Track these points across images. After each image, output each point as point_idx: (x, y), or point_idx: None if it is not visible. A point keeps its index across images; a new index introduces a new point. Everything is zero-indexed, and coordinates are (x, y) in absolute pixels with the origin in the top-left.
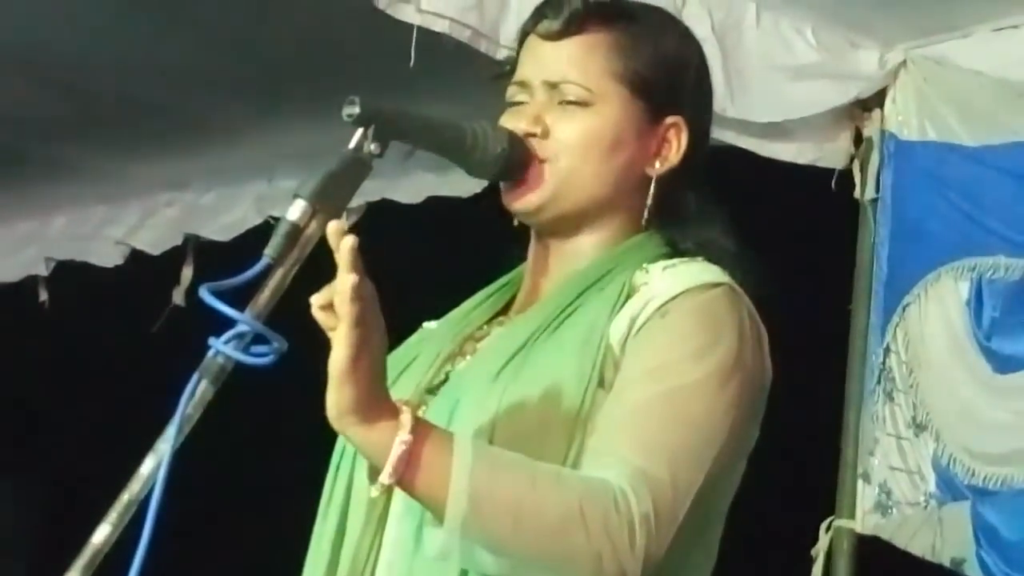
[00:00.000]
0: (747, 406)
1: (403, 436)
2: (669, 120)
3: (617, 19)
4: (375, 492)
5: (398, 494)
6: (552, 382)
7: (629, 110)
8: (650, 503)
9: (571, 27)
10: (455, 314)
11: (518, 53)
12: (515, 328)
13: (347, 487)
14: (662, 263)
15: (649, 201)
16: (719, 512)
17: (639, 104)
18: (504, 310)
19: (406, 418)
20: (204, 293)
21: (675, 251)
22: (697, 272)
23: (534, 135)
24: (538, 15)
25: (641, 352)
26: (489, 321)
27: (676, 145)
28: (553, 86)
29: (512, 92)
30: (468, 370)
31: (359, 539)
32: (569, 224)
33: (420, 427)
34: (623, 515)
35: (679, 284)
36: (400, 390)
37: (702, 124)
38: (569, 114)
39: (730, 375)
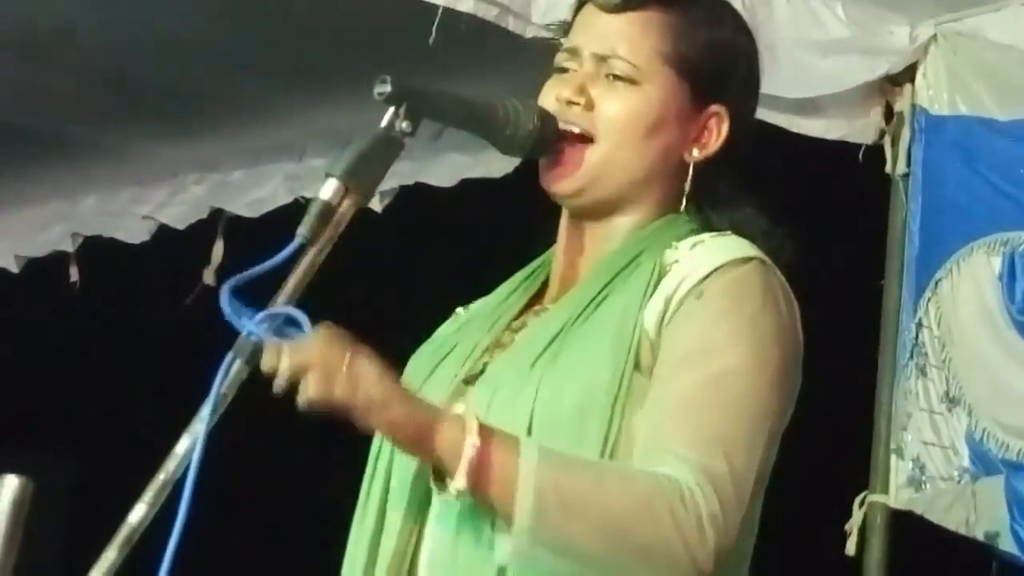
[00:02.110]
0: (788, 381)
1: (472, 439)
2: (712, 108)
3: (675, 2)
4: (449, 496)
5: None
6: (588, 370)
7: (674, 93)
8: (716, 499)
9: (631, 2)
10: (490, 301)
11: (573, 19)
12: (550, 317)
13: (384, 487)
14: (691, 239)
15: (687, 187)
16: (760, 487)
17: (685, 88)
18: (539, 295)
19: (472, 423)
20: (224, 298)
21: (705, 228)
22: (727, 246)
23: (577, 104)
24: None
25: (680, 336)
26: (525, 310)
27: (716, 134)
28: (602, 59)
29: (561, 58)
30: (505, 361)
31: (398, 538)
32: (606, 206)
33: (485, 430)
34: (691, 511)
35: (711, 261)
36: (438, 380)
37: (746, 116)
38: (614, 89)
39: (770, 354)
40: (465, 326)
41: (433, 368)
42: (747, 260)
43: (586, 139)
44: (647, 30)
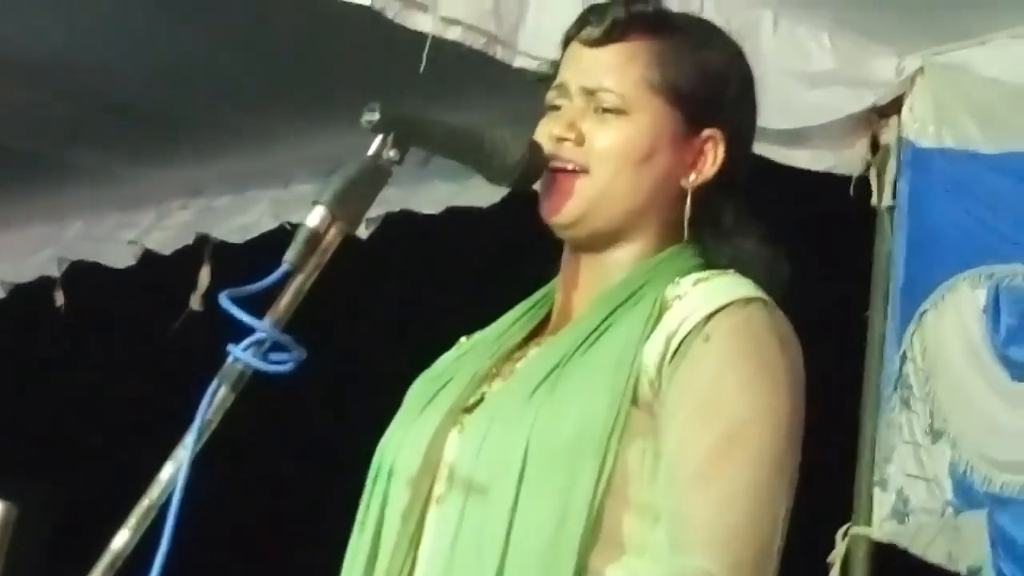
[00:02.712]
0: (800, 426)
1: None
2: (707, 132)
3: (660, 29)
4: None
5: (433, 508)
6: (585, 403)
7: (665, 120)
8: None
9: (613, 34)
10: (492, 330)
11: (561, 57)
12: (550, 348)
13: (382, 502)
14: (694, 276)
15: (687, 214)
16: (781, 536)
17: (676, 115)
18: (541, 326)
19: None
20: (224, 300)
21: (708, 263)
22: (730, 286)
23: (568, 139)
24: (582, 21)
25: (689, 383)
26: (527, 340)
27: (712, 158)
28: (590, 93)
29: (551, 96)
30: (504, 391)
31: (393, 552)
32: (604, 237)
33: None
34: None
35: (714, 300)
36: (436, 407)
37: (742, 138)
38: (605, 122)
39: (781, 402)
40: (467, 354)
41: (433, 396)
42: (750, 301)
43: (580, 172)
44: (633, 60)
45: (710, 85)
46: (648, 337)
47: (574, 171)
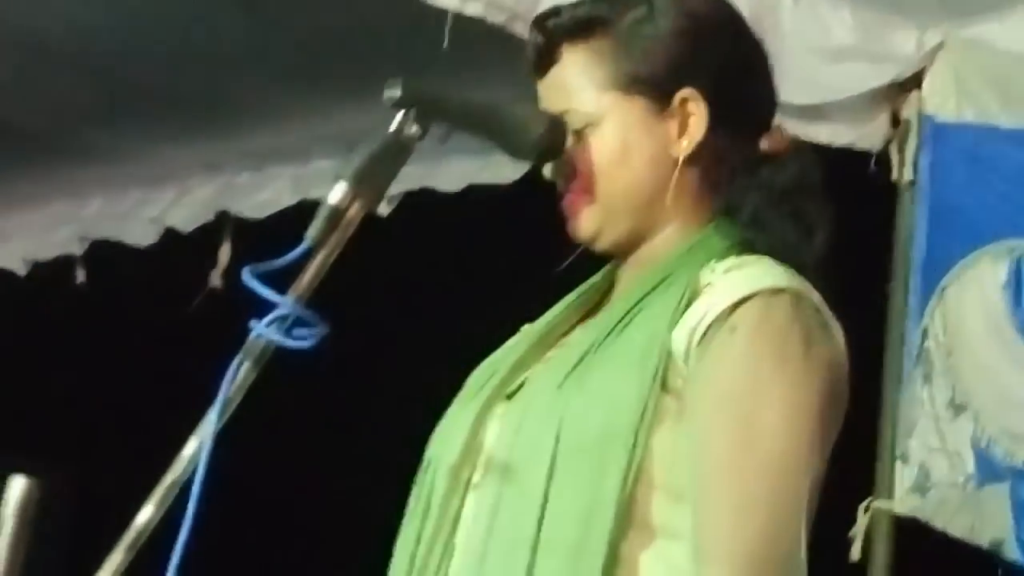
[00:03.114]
0: (822, 422)
1: None
2: (679, 96)
3: (589, 29)
4: None
5: (471, 495)
6: (614, 392)
7: (626, 110)
8: None
9: (544, 60)
10: (548, 315)
11: None
12: (584, 335)
13: (429, 491)
14: (727, 262)
15: (672, 183)
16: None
17: (637, 101)
18: (594, 310)
19: None
20: (247, 276)
21: (744, 245)
22: (760, 275)
23: (568, 176)
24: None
25: (710, 377)
26: (577, 323)
27: (697, 117)
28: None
29: None
30: (538, 379)
31: (433, 539)
32: (632, 239)
33: None
34: None
35: (740, 290)
36: (485, 394)
37: (730, 88)
38: (582, 141)
39: (800, 401)
40: (522, 340)
41: (485, 381)
42: (776, 292)
43: (583, 194)
44: (573, 73)
45: (659, 54)
46: (677, 323)
47: (579, 193)
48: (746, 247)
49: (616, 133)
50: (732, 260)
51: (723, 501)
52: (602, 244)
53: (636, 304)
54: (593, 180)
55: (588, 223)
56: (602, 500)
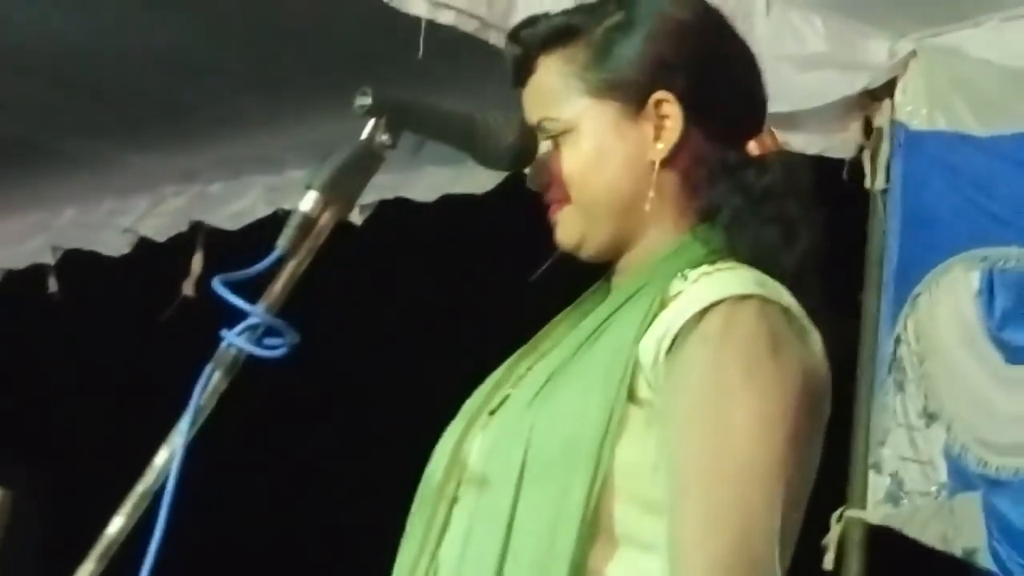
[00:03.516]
0: (794, 426)
1: None
2: (652, 99)
3: (562, 37)
4: None
5: (455, 510)
6: (579, 406)
7: (598, 114)
8: None
9: (522, 71)
10: (547, 327)
11: None
12: (557, 351)
13: (418, 511)
14: (700, 270)
15: (651, 189)
16: (788, 520)
17: (611, 105)
18: None
19: None
20: (217, 285)
21: (721, 252)
22: (727, 282)
23: (544, 180)
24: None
25: (680, 385)
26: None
27: (671, 119)
28: (540, 129)
29: None
30: (514, 395)
31: (419, 554)
32: (616, 246)
33: None
34: None
35: (708, 296)
36: (479, 407)
37: (708, 91)
38: (559, 148)
39: (769, 408)
40: (521, 353)
41: (486, 394)
42: (744, 299)
43: (563, 202)
44: (547, 82)
45: (632, 58)
46: (644, 333)
47: (560, 200)
48: (723, 254)
49: (590, 139)
50: (705, 268)
51: (693, 509)
52: (587, 252)
53: (609, 316)
54: (569, 187)
55: (570, 231)
56: (566, 513)
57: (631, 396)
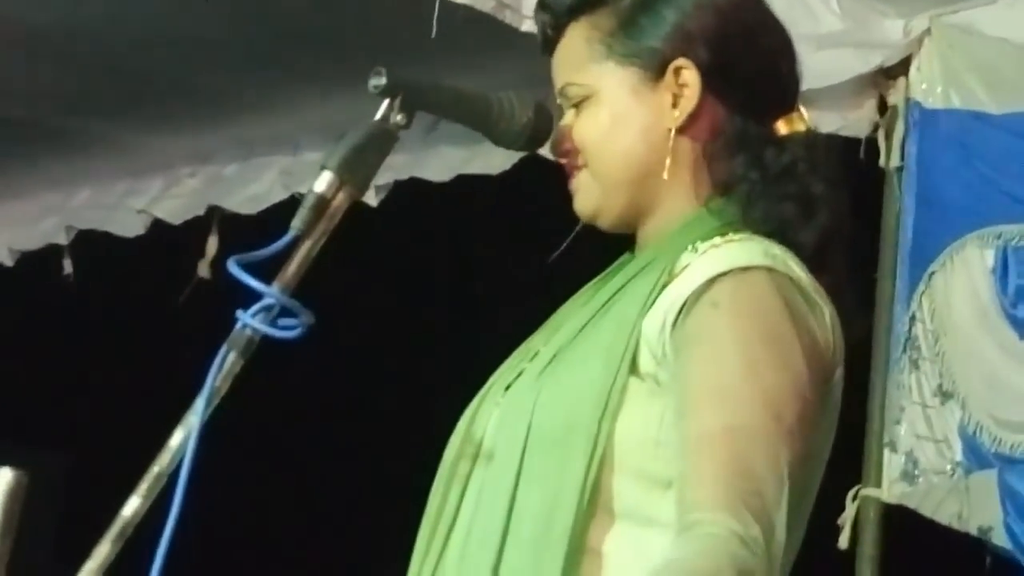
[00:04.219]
0: (817, 392)
1: None
2: (672, 66)
3: (586, 5)
4: None
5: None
6: (580, 381)
7: (618, 80)
8: (759, 534)
9: (552, 36)
10: (567, 303)
11: None
12: (569, 326)
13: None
14: (711, 242)
15: (668, 157)
16: (804, 489)
17: (631, 71)
18: None
19: None
20: (232, 266)
21: (735, 224)
22: (736, 253)
23: (565, 145)
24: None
25: (694, 353)
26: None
27: (690, 88)
28: (562, 95)
29: None
30: (527, 370)
31: (433, 529)
32: (632, 215)
33: None
34: (753, 553)
35: (715, 267)
36: (503, 381)
37: (731, 63)
38: (580, 114)
39: (788, 378)
40: (541, 328)
41: (504, 370)
42: (748, 269)
43: (582, 168)
44: (573, 46)
45: (656, 25)
46: (651, 306)
47: (579, 167)
48: (737, 226)
49: (609, 104)
50: (715, 240)
51: (709, 468)
52: (604, 221)
53: (618, 291)
54: (586, 153)
55: (586, 200)
56: (565, 490)
57: (634, 369)
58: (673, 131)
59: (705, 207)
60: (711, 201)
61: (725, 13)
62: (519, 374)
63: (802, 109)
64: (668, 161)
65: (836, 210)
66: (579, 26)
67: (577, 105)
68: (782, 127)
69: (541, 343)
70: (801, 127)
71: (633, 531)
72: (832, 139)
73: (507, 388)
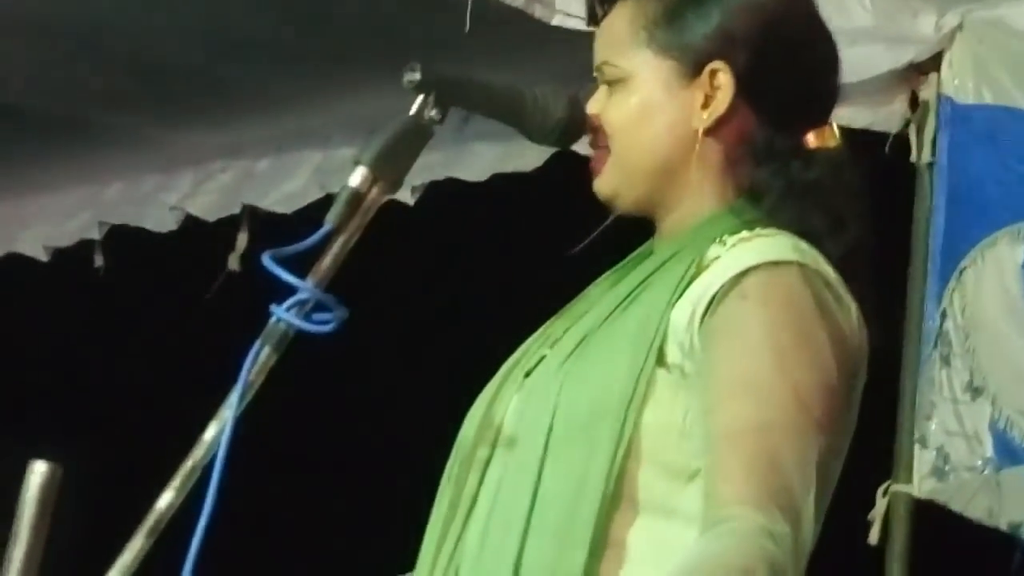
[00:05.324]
0: (845, 388)
1: None
2: (710, 67)
3: None
4: None
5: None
6: (607, 370)
7: (655, 71)
8: (788, 529)
9: (602, 8)
10: (589, 288)
11: None
12: (591, 314)
13: (448, 474)
14: (740, 235)
15: (694, 156)
16: (825, 482)
17: (668, 64)
18: None
19: None
20: (267, 260)
21: (763, 222)
22: (767, 248)
23: (595, 125)
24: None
25: (724, 346)
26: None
27: (722, 92)
28: (599, 70)
29: None
30: (549, 357)
31: (447, 515)
32: (653, 205)
33: None
34: (783, 549)
35: (745, 261)
36: (521, 366)
37: (768, 72)
38: (612, 95)
39: (819, 376)
40: (559, 315)
41: (521, 355)
42: (778, 264)
43: (606, 149)
44: (618, 26)
45: (701, 22)
46: (680, 297)
47: (603, 148)
48: (764, 222)
49: (640, 92)
50: (744, 234)
51: (738, 463)
52: (622, 205)
53: (644, 280)
54: (611, 137)
55: (606, 181)
56: (590, 479)
57: (660, 360)
58: (700, 132)
59: (730, 207)
60: (736, 202)
61: (772, 22)
62: (540, 360)
63: (834, 125)
64: (694, 159)
65: (862, 225)
66: (627, 6)
67: (611, 84)
68: (812, 140)
69: (561, 329)
70: (832, 143)
71: (656, 523)
72: (865, 136)
73: (527, 375)
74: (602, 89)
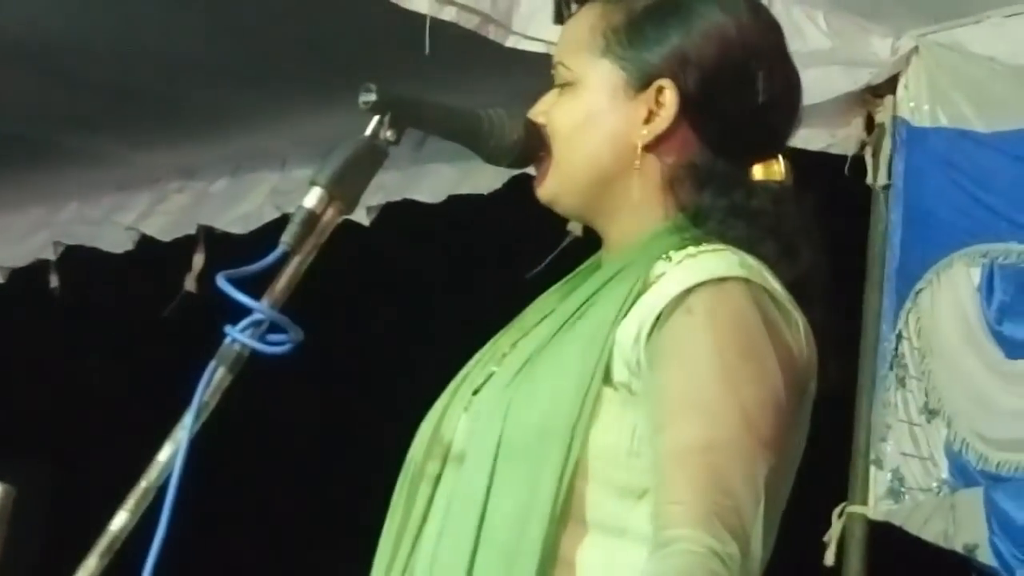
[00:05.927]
0: (792, 405)
1: None
2: (657, 83)
3: None
4: None
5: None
6: (554, 390)
7: (605, 80)
8: (737, 551)
9: (568, 9)
10: (534, 303)
11: None
12: (537, 332)
13: (399, 488)
14: (686, 251)
15: (635, 171)
16: (775, 500)
17: (617, 75)
18: None
19: None
20: (221, 281)
21: (708, 237)
22: (713, 264)
23: (541, 124)
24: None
25: (673, 364)
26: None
27: (666, 109)
28: (555, 70)
29: None
30: (496, 376)
31: (399, 534)
32: (593, 213)
33: None
34: (732, 570)
35: (692, 277)
36: (468, 383)
37: (717, 99)
38: (560, 98)
39: (766, 393)
40: (506, 329)
41: (468, 372)
42: (725, 280)
43: (548, 154)
44: (579, 29)
45: (658, 39)
46: (625, 315)
47: (545, 154)
48: (710, 237)
49: (587, 97)
50: (690, 250)
51: (685, 482)
52: (561, 209)
53: (590, 297)
54: (553, 140)
55: (546, 186)
56: (538, 499)
57: (607, 379)
58: (640, 146)
59: (674, 223)
60: (679, 218)
61: (730, 51)
62: (488, 377)
63: (781, 161)
64: (636, 174)
65: (815, 249)
66: (592, 9)
67: (562, 87)
68: (758, 172)
69: (508, 344)
70: (778, 177)
71: (605, 541)
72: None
73: (475, 392)
74: (553, 92)
